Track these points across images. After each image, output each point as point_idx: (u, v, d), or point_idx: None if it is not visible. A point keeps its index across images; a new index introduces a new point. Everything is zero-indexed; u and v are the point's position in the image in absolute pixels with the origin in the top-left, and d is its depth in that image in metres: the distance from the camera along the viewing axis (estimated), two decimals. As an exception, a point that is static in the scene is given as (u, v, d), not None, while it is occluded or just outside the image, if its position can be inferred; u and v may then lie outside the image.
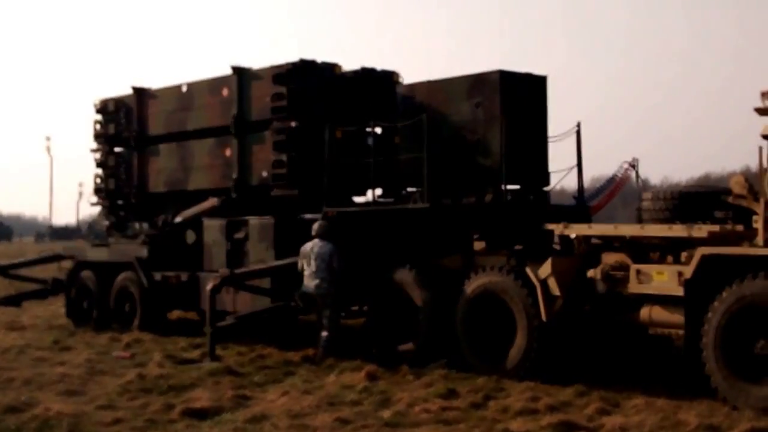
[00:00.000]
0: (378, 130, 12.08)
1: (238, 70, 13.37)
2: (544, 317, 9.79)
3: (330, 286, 11.41)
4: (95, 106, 15.72)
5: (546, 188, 11.30)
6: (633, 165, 10.90)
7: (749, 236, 8.77)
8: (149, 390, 9.78)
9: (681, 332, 9.06)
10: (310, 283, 11.44)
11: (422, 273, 11.00)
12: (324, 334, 11.40)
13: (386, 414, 8.46)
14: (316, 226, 11.55)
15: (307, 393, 9.49)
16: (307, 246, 11.50)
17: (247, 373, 10.75)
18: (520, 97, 10.70)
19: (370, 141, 11.79)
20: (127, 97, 15.31)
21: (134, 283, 14.22)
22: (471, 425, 7.96)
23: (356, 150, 11.91)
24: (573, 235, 10.07)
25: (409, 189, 11.59)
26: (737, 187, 8.92)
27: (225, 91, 13.58)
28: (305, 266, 11.51)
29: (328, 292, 11.44)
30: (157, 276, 13.93)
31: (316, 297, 11.46)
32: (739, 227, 8.86)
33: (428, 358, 10.74)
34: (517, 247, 10.66)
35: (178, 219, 14.36)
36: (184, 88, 14.34)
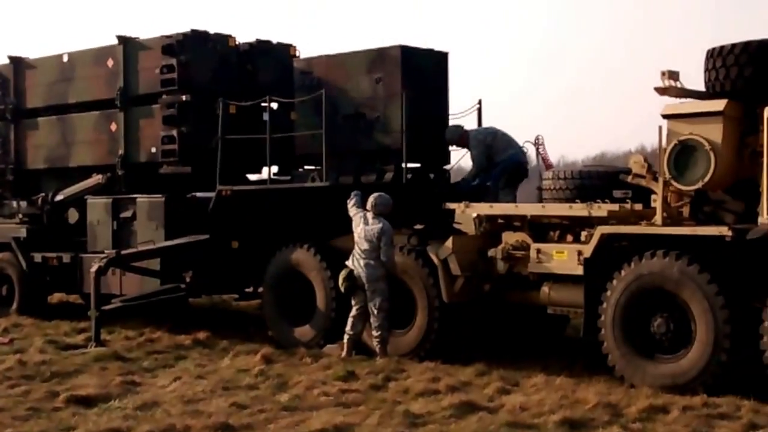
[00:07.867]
0: (274, 105, 11.73)
1: (124, 40, 12.75)
2: (445, 297, 9.70)
3: (382, 267, 9.94)
4: (-32, 76, 14.81)
5: (446, 166, 11.19)
6: (536, 143, 10.85)
7: (648, 215, 8.84)
8: (31, 377, 9.24)
9: (580, 311, 9.08)
10: (357, 262, 10.01)
11: (320, 252, 10.76)
12: (376, 332, 9.86)
13: (284, 398, 8.19)
14: (373, 200, 9.98)
15: (200, 378, 9.15)
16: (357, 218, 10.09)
17: (135, 358, 10.31)
18: (421, 74, 10.52)
19: (265, 117, 11.45)
20: (3, 66, 14.43)
21: (12, 265, 13.56)
22: (371, 407, 7.75)
23: (251, 126, 11.52)
24: (474, 214, 9.99)
25: (306, 167, 11.31)
26: (636, 166, 8.98)
27: (110, 62, 12.94)
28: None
29: (380, 276, 9.98)
30: (37, 257, 13.28)
31: (365, 281, 9.95)
32: (638, 206, 8.92)
33: (326, 339, 10.51)
34: (418, 226, 10.53)
35: (59, 197, 13.69)
36: (66, 58, 13.59)
